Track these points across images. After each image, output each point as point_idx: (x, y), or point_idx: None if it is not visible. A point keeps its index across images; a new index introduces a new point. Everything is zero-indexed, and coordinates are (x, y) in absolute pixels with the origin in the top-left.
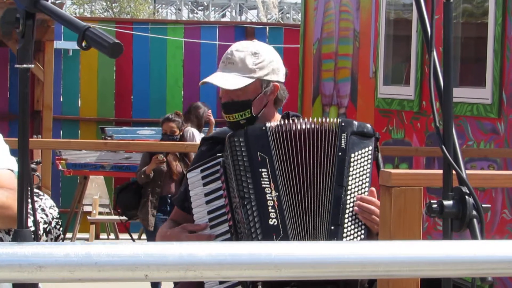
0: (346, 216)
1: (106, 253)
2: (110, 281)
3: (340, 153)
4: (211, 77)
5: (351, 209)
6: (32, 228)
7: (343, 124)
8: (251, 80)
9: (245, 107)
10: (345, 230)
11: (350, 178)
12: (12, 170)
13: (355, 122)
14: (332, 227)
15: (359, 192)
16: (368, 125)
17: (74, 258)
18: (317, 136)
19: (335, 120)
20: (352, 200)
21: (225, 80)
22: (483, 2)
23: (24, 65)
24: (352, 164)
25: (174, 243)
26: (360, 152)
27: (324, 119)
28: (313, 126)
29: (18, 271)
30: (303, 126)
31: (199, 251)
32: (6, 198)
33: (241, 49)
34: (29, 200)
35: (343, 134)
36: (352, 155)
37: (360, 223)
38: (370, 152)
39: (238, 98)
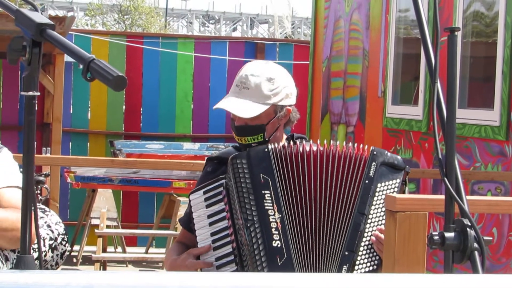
0: (362, 244)
1: (107, 283)
2: None
3: (367, 181)
4: (225, 103)
5: (368, 238)
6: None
7: (375, 153)
8: (266, 107)
9: (259, 131)
10: (358, 258)
11: (372, 207)
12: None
13: (388, 153)
14: (346, 253)
15: (380, 223)
16: (399, 158)
17: (75, 287)
18: (338, 161)
19: (366, 147)
20: (371, 229)
21: (240, 107)
22: (493, 21)
23: (30, 93)
24: (377, 194)
25: (175, 273)
26: (387, 183)
27: (354, 145)
28: (332, 150)
29: None
30: (308, 149)
31: (198, 281)
32: (18, 220)
33: (256, 73)
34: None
35: (373, 163)
36: (379, 185)
37: (374, 254)
38: (397, 184)
39: (252, 123)
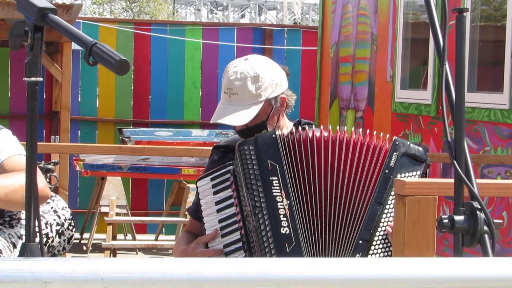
0: (377, 234)
1: (113, 270)
2: None
3: (387, 171)
4: (221, 115)
5: (384, 228)
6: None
7: (397, 143)
8: (260, 105)
9: (260, 129)
10: (372, 248)
11: (390, 197)
12: (24, 155)
13: (410, 144)
14: (360, 242)
15: None
16: (421, 150)
17: (80, 275)
18: (353, 148)
19: (388, 136)
20: (387, 220)
21: (236, 116)
22: (502, 5)
23: (33, 78)
24: None
25: (182, 259)
26: (407, 174)
27: (374, 133)
28: (348, 137)
29: (23, 286)
30: (318, 135)
31: (206, 268)
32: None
33: (239, 76)
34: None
35: (395, 153)
36: (399, 175)
37: (389, 244)
38: (417, 176)
39: (252, 123)
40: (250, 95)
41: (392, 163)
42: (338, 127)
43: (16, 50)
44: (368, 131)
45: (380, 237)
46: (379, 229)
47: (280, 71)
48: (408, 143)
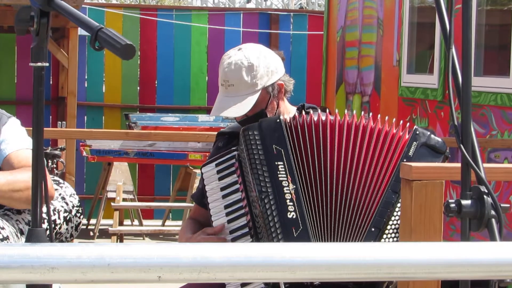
0: (390, 223)
1: (119, 255)
2: (123, 283)
3: (405, 160)
4: (220, 108)
5: (397, 217)
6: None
7: (417, 132)
8: (257, 94)
9: (261, 117)
10: (384, 236)
11: None
12: (31, 149)
13: (430, 135)
14: (373, 229)
15: None
16: (441, 141)
17: (87, 260)
18: (370, 136)
19: (408, 125)
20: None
21: (234, 108)
22: None
23: (39, 64)
24: None
25: (188, 244)
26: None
27: (379, 116)
28: (353, 121)
29: (30, 272)
30: (324, 119)
31: (212, 252)
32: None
33: (233, 67)
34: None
35: (414, 143)
36: None
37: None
38: None
39: (252, 113)
40: (246, 85)
41: (411, 153)
42: (346, 112)
43: (22, 35)
44: (371, 114)
45: (393, 226)
46: (393, 218)
47: (275, 57)
48: (429, 133)
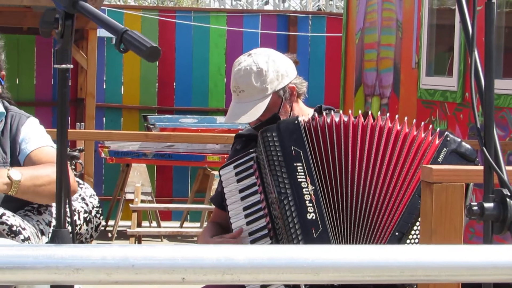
0: (415, 228)
1: (143, 256)
2: (147, 284)
3: None
4: (233, 116)
5: None
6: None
7: (448, 139)
8: (268, 98)
9: (274, 121)
10: (407, 241)
11: None
12: (53, 147)
13: (462, 142)
14: (396, 233)
15: None
16: (471, 148)
17: (111, 261)
18: (395, 139)
19: (438, 130)
20: None
21: (247, 113)
22: None
23: (63, 66)
24: None
25: (212, 245)
26: None
27: (397, 117)
28: (376, 124)
29: (55, 273)
30: (346, 120)
31: (236, 254)
32: (53, 174)
33: (243, 73)
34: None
35: (444, 149)
36: None
37: None
38: None
39: (265, 118)
40: (256, 90)
41: (440, 159)
42: (370, 113)
43: (47, 38)
44: (397, 116)
45: (418, 231)
46: (418, 223)
47: (285, 61)
48: (459, 140)
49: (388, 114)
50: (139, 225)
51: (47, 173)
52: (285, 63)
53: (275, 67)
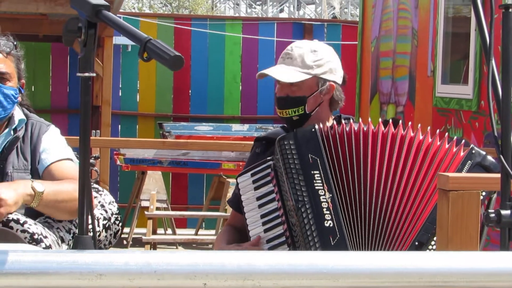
0: (435, 239)
1: (165, 262)
2: None
3: None
4: (268, 69)
5: None
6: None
7: (473, 152)
8: (308, 76)
9: (299, 103)
10: (427, 251)
11: None
12: (71, 160)
13: (486, 156)
14: (416, 243)
15: None
16: (495, 162)
17: (134, 266)
18: (416, 150)
19: (464, 141)
20: None
21: (282, 73)
22: None
23: (86, 74)
24: None
25: (233, 252)
26: None
27: (409, 124)
28: (397, 133)
29: (79, 278)
30: (366, 128)
31: (257, 260)
32: (75, 191)
33: (300, 45)
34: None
35: (469, 162)
36: None
37: None
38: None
39: (294, 94)
40: (303, 64)
41: (464, 171)
42: (400, 122)
43: (70, 46)
44: (419, 125)
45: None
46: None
47: (339, 64)
48: (484, 153)
49: (410, 123)
50: (154, 232)
51: (69, 189)
52: (339, 66)
53: (329, 59)
